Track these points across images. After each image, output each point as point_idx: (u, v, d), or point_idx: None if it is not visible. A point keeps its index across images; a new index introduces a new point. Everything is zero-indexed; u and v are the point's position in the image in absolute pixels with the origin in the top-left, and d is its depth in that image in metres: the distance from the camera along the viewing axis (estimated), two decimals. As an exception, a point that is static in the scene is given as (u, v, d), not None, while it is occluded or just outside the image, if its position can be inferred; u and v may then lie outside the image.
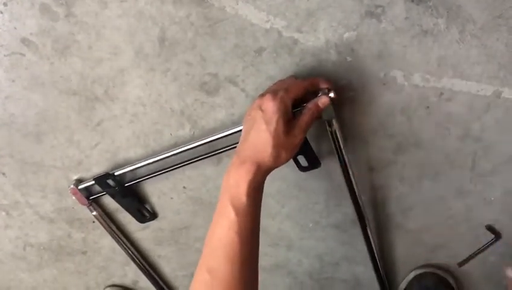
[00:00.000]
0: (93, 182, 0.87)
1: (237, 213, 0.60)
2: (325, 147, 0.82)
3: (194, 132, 0.83)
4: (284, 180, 0.87)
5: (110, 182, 0.87)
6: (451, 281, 0.96)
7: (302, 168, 0.79)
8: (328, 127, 0.74)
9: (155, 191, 0.93)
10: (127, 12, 0.71)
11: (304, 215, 0.93)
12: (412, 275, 0.97)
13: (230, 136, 0.77)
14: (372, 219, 0.92)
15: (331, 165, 0.84)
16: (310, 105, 0.67)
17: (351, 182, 0.80)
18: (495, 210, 0.88)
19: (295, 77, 0.71)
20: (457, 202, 0.87)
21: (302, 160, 0.79)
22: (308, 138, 0.77)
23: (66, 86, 0.79)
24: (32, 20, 0.72)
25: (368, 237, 0.88)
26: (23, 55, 0.76)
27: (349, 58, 0.72)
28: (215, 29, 0.71)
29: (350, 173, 0.79)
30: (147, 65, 0.76)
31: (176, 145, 0.84)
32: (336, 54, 0.72)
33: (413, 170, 0.84)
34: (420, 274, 0.96)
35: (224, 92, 0.78)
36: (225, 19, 0.70)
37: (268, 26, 0.70)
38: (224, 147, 0.81)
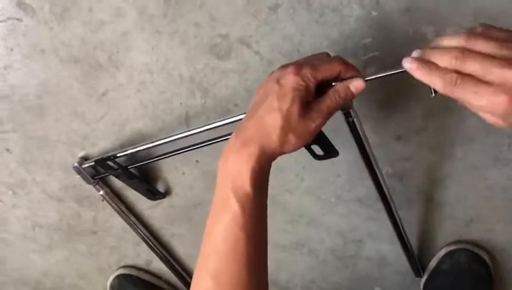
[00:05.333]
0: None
1: (242, 206, 0.53)
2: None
3: (205, 101, 0.78)
4: (303, 149, 0.83)
5: (113, 163, 0.83)
6: (485, 257, 0.91)
7: (317, 157, 0.72)
8: (345, 118, 0.67)
9: (165, 166, 0.89)
10: (128, -33, 0.66)
11: (324, 189, 0.89)
12: (443, 251, 0.93)
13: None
14: (400, 192, 0.87)
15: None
16: (339, 87, 0.57)
17: (377, 177, 0.74)
18: (535, 180, 0.82)
19: (329, 54, 0.60)
20: (493, 171, 0.82)
21: (316, 148, 0.73)
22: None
23: (67, 53, 0.75)
24: (26, -20, 0.68)
25: (393, 214, 0.82)
26: (20, 20, 0.73)
27: (374, 13, 0.67)
28: (225, -16, 0.66)
29: (375, 168, 0.73)
30: (152, 27, 0.71)
31: (186, 115, 0.80)
32: (359, 8, 0.67)
33: (445, 137, 0.79)
34: (452, 251, 0.92)
35: (237, 55, 0.73)
36: (235, -29, 0.65)
37: (283, -23, 0.65)
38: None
